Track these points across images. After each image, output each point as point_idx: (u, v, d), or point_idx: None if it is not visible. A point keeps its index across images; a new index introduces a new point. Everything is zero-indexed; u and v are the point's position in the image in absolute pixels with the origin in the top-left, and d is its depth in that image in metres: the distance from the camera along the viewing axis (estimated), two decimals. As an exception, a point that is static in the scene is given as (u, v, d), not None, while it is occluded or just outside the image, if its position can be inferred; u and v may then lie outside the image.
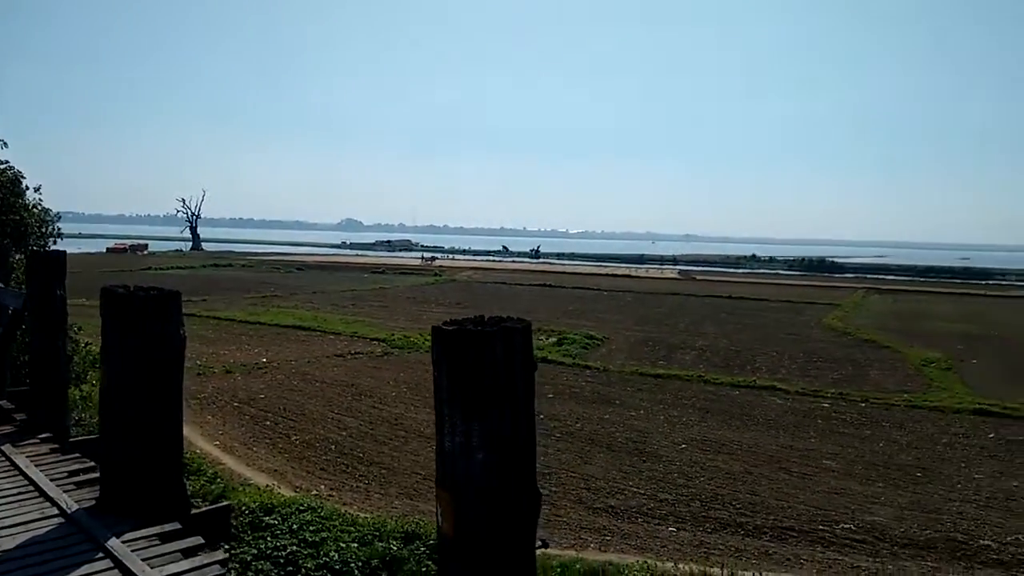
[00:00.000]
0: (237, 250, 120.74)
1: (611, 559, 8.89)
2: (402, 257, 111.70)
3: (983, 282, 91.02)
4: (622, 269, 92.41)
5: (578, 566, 8.46)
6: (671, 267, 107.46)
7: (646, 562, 8.38)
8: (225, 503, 8.58)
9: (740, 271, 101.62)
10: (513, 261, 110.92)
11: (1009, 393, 20.17)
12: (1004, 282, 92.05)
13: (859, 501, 11.56)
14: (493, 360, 2.07)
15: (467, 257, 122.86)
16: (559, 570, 8.34)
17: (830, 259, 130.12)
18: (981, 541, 10.14)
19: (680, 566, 8.44)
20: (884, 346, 28.63)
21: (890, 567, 9.09)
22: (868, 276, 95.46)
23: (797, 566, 9.31)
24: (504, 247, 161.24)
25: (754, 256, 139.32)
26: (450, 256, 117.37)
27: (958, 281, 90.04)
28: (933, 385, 21.10)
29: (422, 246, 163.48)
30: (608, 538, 10.01)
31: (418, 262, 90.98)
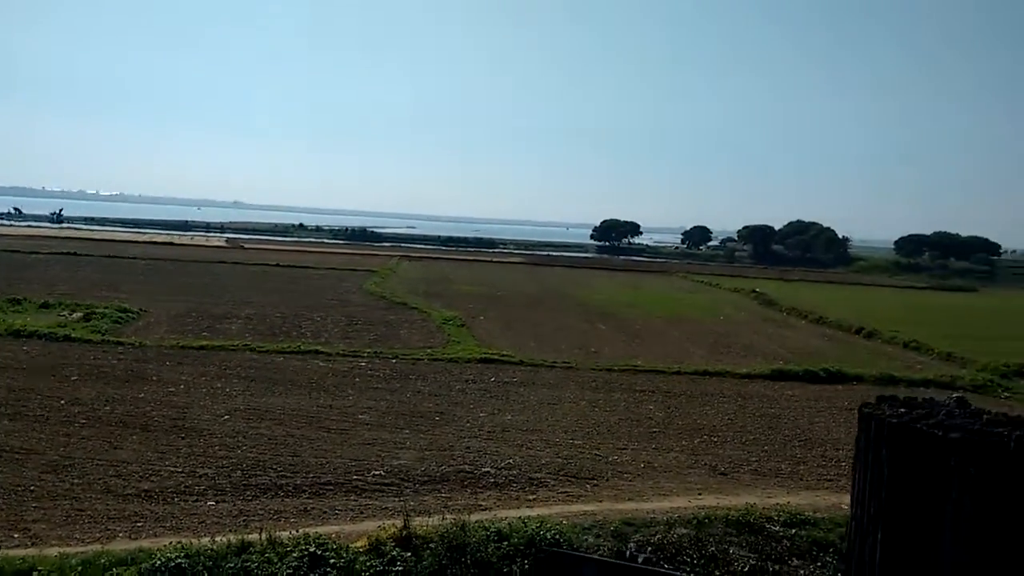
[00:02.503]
0: None
1: (143, 545, 8.16)
2: None
3: (490, 250, 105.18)
4: (164, 236, 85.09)
5: (103, 560, 7.58)
6: (218, 235, 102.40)
7: (180, 543, 7.85)
8: None
9: (288, 239, 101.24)
10: (28, 226, 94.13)
11: (507, 343, 23.67)
12: (505, 250, 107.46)
13: (388, 448, 12.45)
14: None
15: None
16: (80, 568, 7.38)
17: (371, 229, 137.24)
18: (483, 469, 11.71)
19: (218, 539, 8.09)
20: (413, 307, 31.21)
21: (412, 503, 9.96)
22: (402, 245, 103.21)
23: (333, 517, 9.66)
24: (16, 209, 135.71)
25: (302, 225, 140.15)
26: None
27: (472, 249, 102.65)
28: (451, 340, 23.68)
29: None
30: (141, 524, 9.16)
31: None
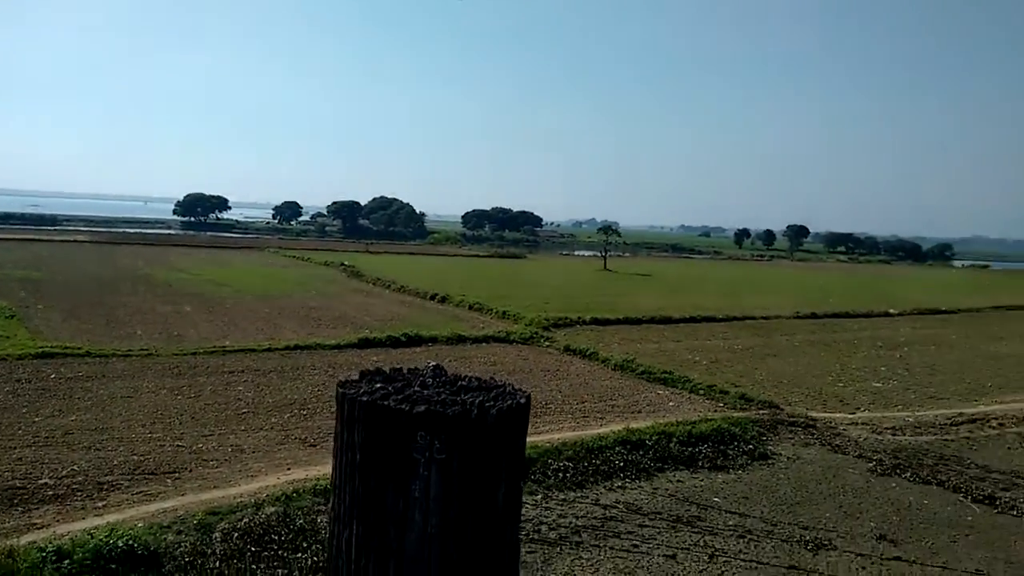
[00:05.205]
0: None
1: None
2: None
3: (51, 228, 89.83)
4: None
5: None
6: None
7: None
8: None
9: None
10: None
11: (71, 333, 20.46)
12: (70, 228, 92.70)
13: (-97, 477, 9.82)
14: None
15: None
16: None
17: None
18: (40, 481, 9.94)
19: None
20: (-60, 299, 25.08)
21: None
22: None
23: None
24: None
25: None
26: None
27: (27, 227, 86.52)
28: (-4, 335, 19.59)
29: None
30: None
31: None
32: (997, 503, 11.04)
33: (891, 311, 36.69)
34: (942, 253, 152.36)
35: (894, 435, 14.72)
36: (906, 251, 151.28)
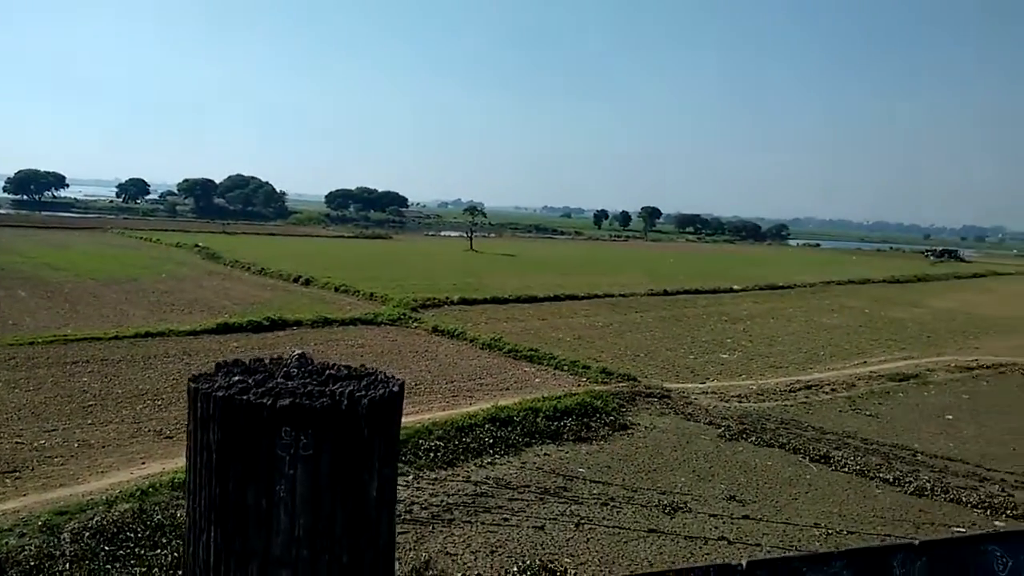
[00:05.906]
0: None
1: None
2: None
3: None
4: None
5: None
6: None
7: None
8: None
9: None
10: None
11: None
12: None
13: None
14: None
15: None
16: None
17: None
18: None
19: None
20: None
21: None
22: None
23: None
24: None
25: None
26: None
27: None
28: None
29: None
30: None
31: None
32: (831, 462, 12.18)
33: (735, 287, 39.32)
34: (779, 233, 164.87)
35: (740, 402, 15.86)
36: (747, 231, 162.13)
